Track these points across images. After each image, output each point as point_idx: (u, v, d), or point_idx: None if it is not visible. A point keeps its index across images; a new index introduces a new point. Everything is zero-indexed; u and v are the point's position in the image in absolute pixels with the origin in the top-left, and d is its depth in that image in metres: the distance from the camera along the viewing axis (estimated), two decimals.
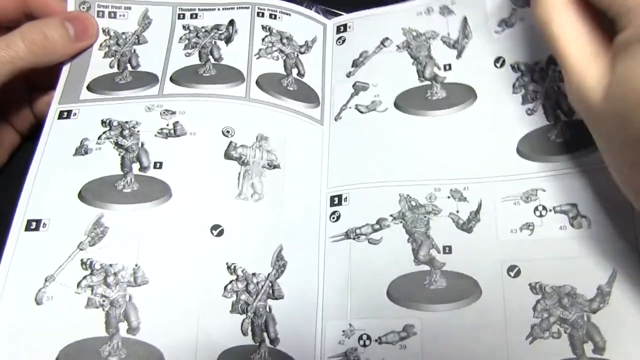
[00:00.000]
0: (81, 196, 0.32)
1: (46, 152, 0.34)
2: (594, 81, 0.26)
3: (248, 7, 0.39)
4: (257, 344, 0.31)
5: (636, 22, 0.24)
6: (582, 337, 0.28)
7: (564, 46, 0.27)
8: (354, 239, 0.33)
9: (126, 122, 0.34)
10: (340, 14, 0.41)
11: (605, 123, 0.26)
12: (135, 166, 0.33)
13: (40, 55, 0.35)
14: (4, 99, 0.36)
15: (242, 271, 0.32)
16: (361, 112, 0.37)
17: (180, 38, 0.38)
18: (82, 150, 0.34)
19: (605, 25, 0.27)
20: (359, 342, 0.31)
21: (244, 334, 0.31)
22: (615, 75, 0.25)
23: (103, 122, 0.34)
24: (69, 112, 0.35)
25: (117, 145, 0.34)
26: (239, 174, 0.34)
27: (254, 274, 0.32)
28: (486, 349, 0.29)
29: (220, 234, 0.32)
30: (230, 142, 0.34)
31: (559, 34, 0.27)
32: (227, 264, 0.32)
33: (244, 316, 0.31)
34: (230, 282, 0.31)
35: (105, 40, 0.38)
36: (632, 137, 0.24)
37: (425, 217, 0.33)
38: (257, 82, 0.37)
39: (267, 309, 0.31)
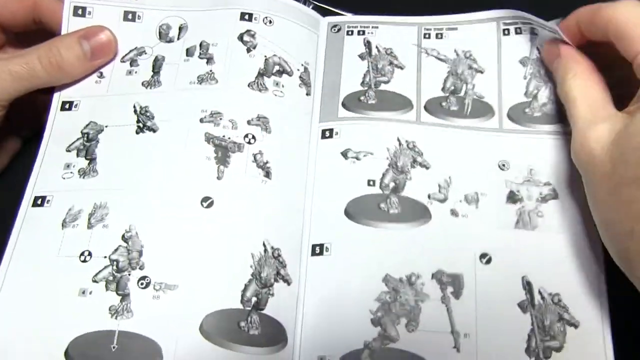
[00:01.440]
0: None
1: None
2: (600, 133, 0.30)
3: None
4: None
5: None
6: None
7: (575, 103, 0.32)
8: None
9: None
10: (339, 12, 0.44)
11: (604, 167, 0.29)
12: None
13: (56, 75, 0.36)
14: (14, 109, 0.37)
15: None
16: None
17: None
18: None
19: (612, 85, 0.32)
20: None
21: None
22: (631, 127, 0.29)
23: None
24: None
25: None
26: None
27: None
28: None
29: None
30: None
31: (573, 94, 0.33)
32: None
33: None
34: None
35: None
36: (630, 176, 0.28)
37: None
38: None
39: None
